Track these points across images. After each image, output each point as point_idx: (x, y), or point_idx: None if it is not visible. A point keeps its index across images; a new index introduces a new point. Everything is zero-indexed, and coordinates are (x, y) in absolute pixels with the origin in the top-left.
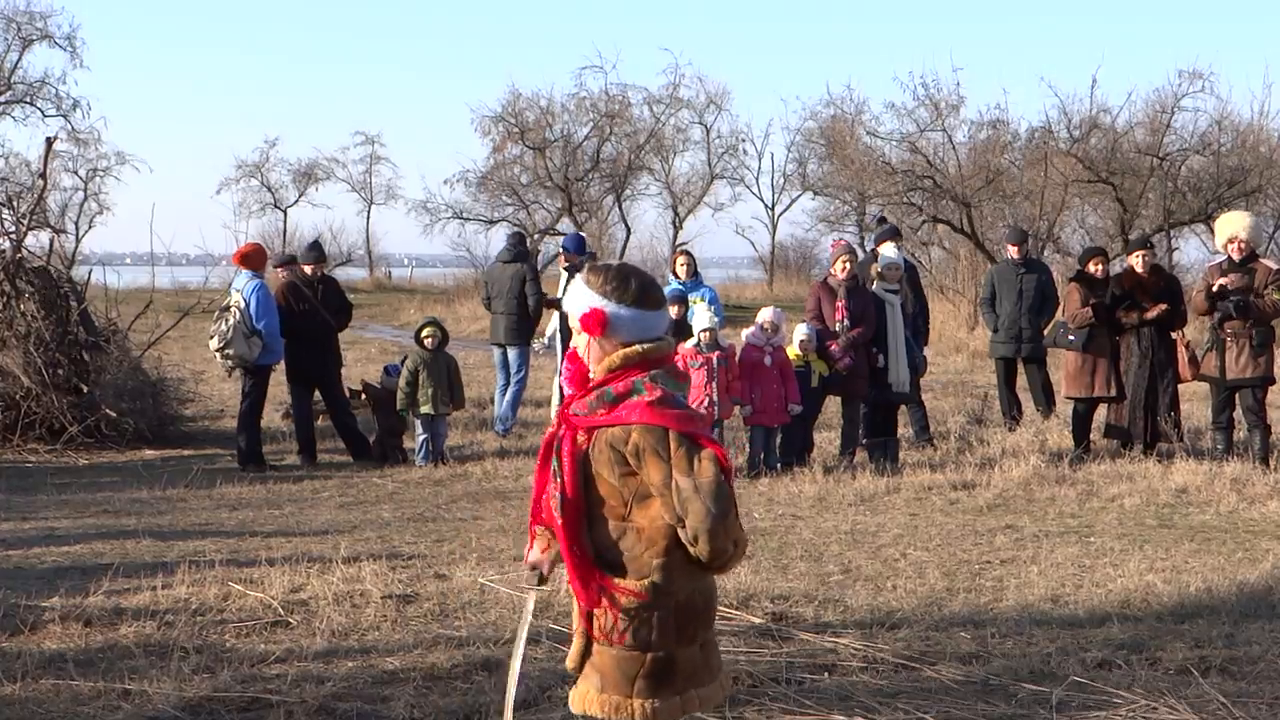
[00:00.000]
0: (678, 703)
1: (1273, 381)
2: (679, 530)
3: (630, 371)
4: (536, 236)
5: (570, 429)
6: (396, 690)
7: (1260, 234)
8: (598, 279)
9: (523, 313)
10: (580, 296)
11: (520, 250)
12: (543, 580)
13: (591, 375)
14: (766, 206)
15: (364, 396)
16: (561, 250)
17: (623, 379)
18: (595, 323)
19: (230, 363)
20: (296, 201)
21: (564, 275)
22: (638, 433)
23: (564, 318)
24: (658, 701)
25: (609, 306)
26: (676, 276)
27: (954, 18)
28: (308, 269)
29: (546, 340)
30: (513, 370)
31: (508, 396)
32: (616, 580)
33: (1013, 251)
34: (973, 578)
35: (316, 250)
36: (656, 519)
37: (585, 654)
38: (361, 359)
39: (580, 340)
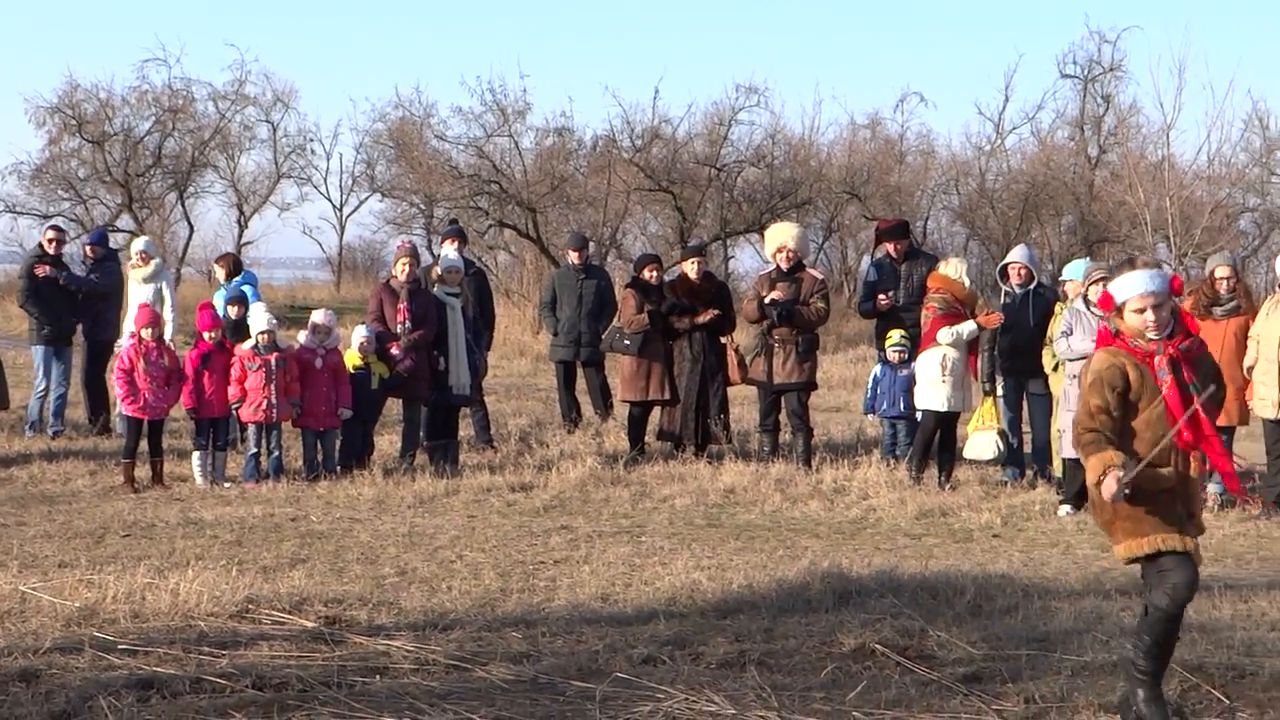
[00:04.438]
0: None
1: (815, 386)
2: None
3: None
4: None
5: None
6: None
7: (808, 245)
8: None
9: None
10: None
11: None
12: None
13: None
14: (335, 207)
15: None
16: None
17: None
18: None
19: None
20: None
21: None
22: None
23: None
24: None
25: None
26: (223, 282)
27: (522, 21)
28: None
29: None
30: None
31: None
32: None
33: (573, 257)
34: (527, 578)
35: None
36: None
37: None
38: None
39: None
